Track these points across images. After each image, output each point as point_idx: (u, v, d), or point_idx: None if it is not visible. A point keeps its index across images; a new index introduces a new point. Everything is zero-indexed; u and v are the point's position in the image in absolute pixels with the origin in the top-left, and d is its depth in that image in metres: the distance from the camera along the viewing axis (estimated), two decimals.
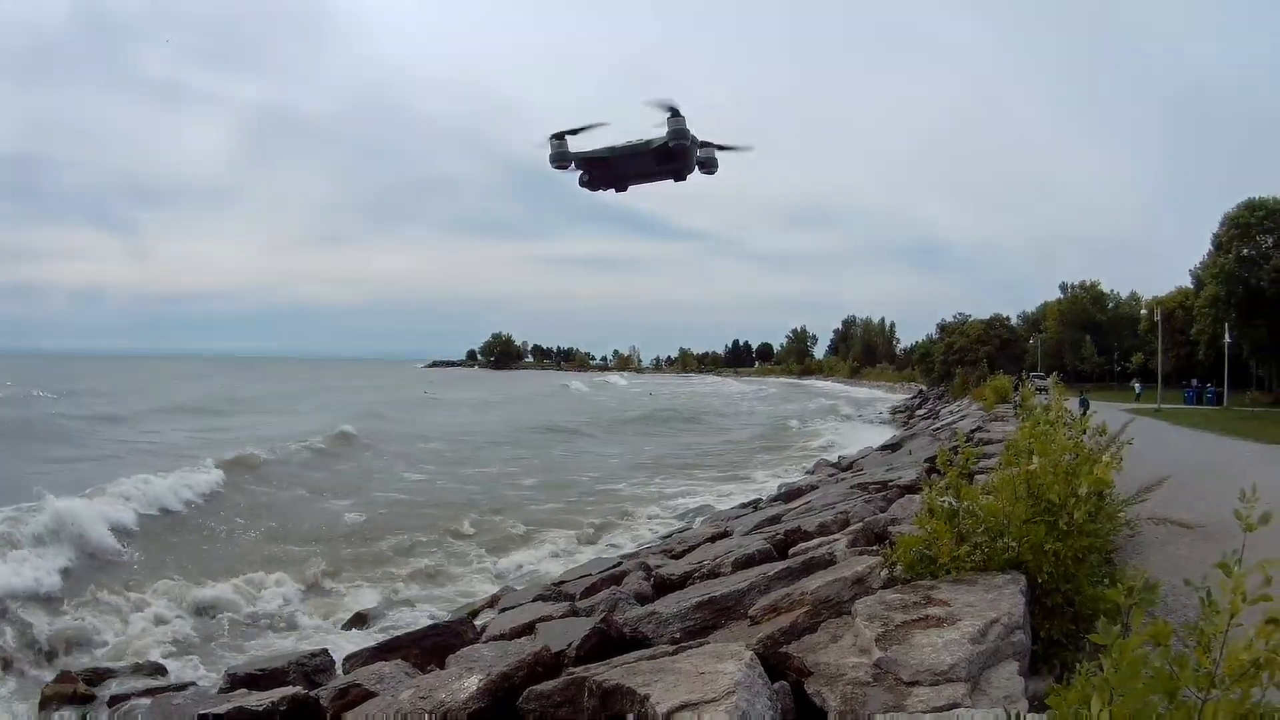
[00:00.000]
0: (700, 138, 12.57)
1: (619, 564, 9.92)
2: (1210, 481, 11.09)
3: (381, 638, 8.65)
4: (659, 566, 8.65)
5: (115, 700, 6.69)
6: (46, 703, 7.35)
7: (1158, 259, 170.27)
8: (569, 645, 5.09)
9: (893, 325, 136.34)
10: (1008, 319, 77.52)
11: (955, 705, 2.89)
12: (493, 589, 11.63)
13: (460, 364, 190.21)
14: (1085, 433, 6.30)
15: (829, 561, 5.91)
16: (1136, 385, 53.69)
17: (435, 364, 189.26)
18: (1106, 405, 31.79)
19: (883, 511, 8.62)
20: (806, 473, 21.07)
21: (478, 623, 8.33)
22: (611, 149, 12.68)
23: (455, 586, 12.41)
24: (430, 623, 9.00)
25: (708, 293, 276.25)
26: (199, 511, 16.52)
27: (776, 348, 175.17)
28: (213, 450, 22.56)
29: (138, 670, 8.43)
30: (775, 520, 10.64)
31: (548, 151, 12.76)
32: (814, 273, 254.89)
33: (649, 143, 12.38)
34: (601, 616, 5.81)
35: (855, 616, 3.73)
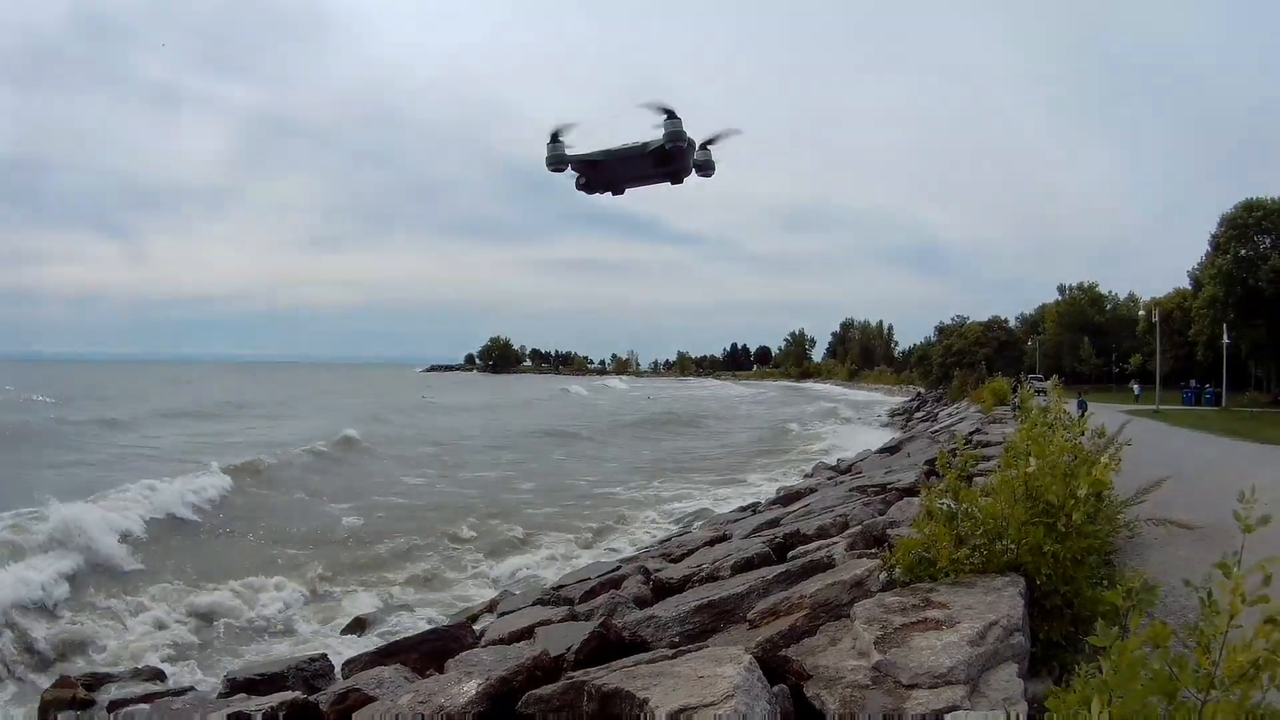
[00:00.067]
0: (697, 140, 12.55)
1: (618, 568, 9.89)
2: (1209, 482, 11.10)
3: (380, 642, 8.62)
4: (658, 570, 8.63)
5: (114, 705, 6.66)
6: (46, 707, 7.32)
7: (1156, 260, 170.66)
8: (568, 649, 5.07)
9: (891, 328, 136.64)
10: (1006, 321, 77.68)
11: (954, 708, 2.89)
12: (491, 593, 11.62)
13: (459, 368, 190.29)
14: (1083, 434, 6.31)
15: (828, 564, 5.90)
16: (1135, 386, 53.73)
17: (433, 368, 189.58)
18: (1105, 407, 31.82)
19: (881, 514, 8.60)
20: (805, 476, 21.05)
21: (477, 627, 8.31)
22: (607, 152, 12.64)
23: (454, 591, 12.39)
24: (429, 627, 8.99)
25: (705, 296, 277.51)
26: (199, 516, 16.51)
27: (775, 351, 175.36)
28: (215, 455, 22.58)
29: (137, 675, 8.41)
30: (774, 523, 10.62)
31: (545, 153, 12.74)
32: (812, 275, 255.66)
33: (645, 145, 12.34)
34: (600, 620, 5.79)
35: (854, 619, 3.72)
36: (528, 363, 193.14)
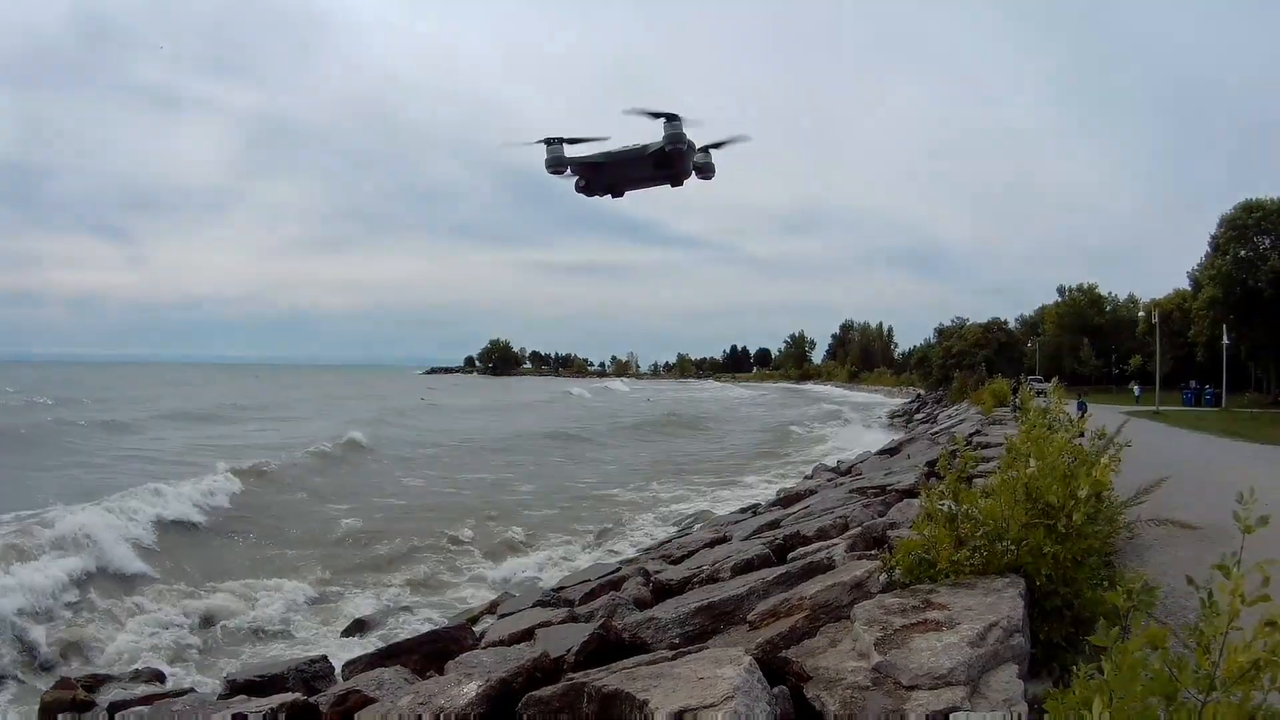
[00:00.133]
0: (696, 142, 12.56)
1: (618, 569, 9.88)
2: (1210, 482, 11.10)
3: (380, 644, 8.62)
4: (658, 572, 8.62)
5: (114, 707, 6.64)
6: (46, 709, 7.30)
7: (1155, 261, 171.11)
8: (568, 651, 5.07)
9: (891, 329, 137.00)
10: (1005, 323, 77.82)
11: (954, 709, 2.88)
12: (492, 595, 11.61)
13: (459, 370, 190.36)
14: (1083, 435, 6.30)
15: (828, 566, 5.90)
16: (1135, 387, 53.78)
17: (433, 370, 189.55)
18: (1105, 408, 31.82)
19: (881, 516, 8.59)
20: (805, 477, 21.05)
21: (477, 629, 8.30)
22: (608, 154, 12.66)
23: (454, 593, 12.39)
24: (429, 629, 8.98)
25: (704, 298, 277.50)
26: (202, 519, 16.49)
27: (774, 352, 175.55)
28: (219, 458, 22.58)
29: (137, 676, 8.39)
30: (774, 525, 10.61)
31: (542, 155, 12.74)
32: (811, 278, 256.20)
33: (645, 147, 12.35)
34: (601, 622, 5.78)
35: (854, 621, 3.72)
36: (528, 365, 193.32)
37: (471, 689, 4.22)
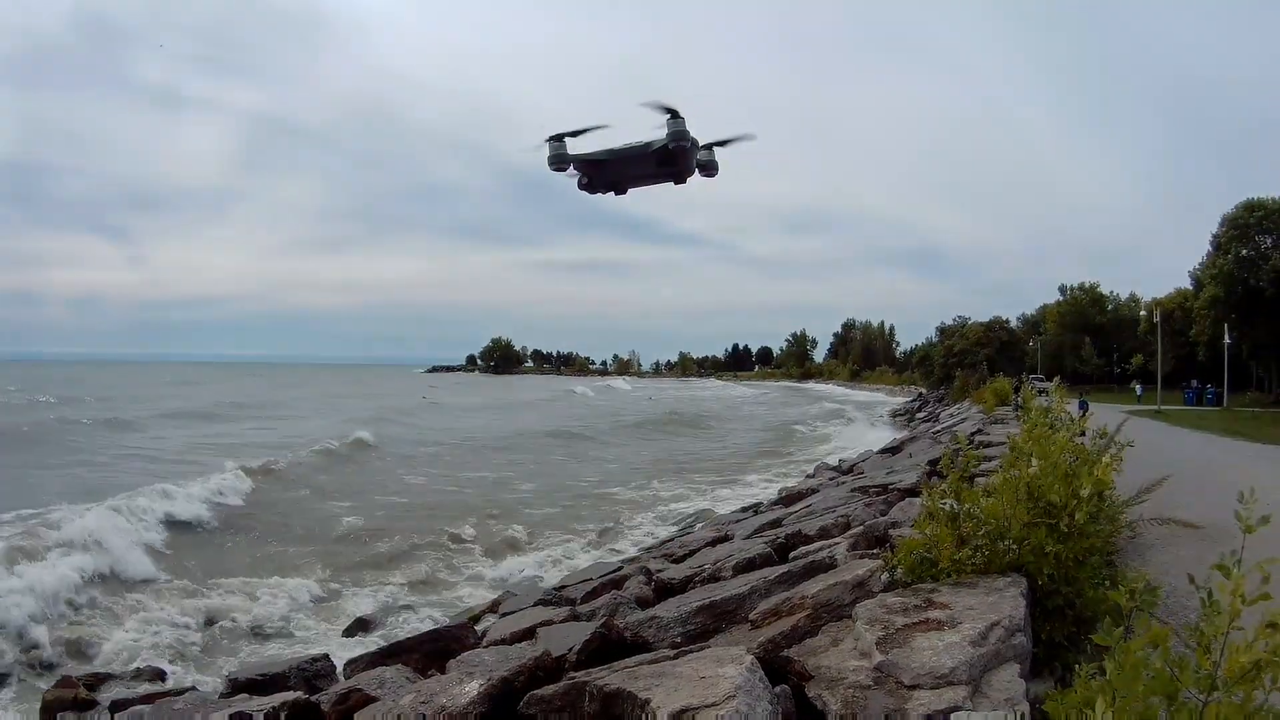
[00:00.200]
0: (700, 140, 12.52)
1: (620, 568, 9.89)
2: (1211, 482, 11.10)
3: (382, 643, 8.63)
4: (660, 570, 8.63)
5: (116, 705, 6.65)
6: (47, 707, 7.32)
7: (1157, 260, 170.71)
8: (570, 649, 5.07)
9: (892, 328, 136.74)
10: (1007, 321, 77.56)
11: (956, 708, 2.89)
12: (493, 594, 11.61)
13: (460, 369, 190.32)
14: (1084, 434, 6.29)
15: (830, 565, 5.90)
16: (1137, 387, 53.76)
17: (435, 369, 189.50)
18: (1107, 407, 31.75)
19: (883, 515, 8.59)
20: (807, 476, 21.04)
21: (478, 627, 8.31)
22: (610, 151, 12.61)
23: (456, 591, 12.40)
24: (431, 628, 8.99)
25: (706, 297, 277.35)
26: (204, 518, 16.50)
27: (776, 351, 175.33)
28: (223, 456, 22.63)
29: (138, 675, 8.42)
30: (776, 524, 10.61)
31: (545, 154, 12.69)
32: (813, 276, 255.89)
33: (649, 145, 12.30)
34: (602, 621, 5.79)
35: (856, 620, 3.72)
36: (529, 364, 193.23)
37: (473, 688, 4.22)
